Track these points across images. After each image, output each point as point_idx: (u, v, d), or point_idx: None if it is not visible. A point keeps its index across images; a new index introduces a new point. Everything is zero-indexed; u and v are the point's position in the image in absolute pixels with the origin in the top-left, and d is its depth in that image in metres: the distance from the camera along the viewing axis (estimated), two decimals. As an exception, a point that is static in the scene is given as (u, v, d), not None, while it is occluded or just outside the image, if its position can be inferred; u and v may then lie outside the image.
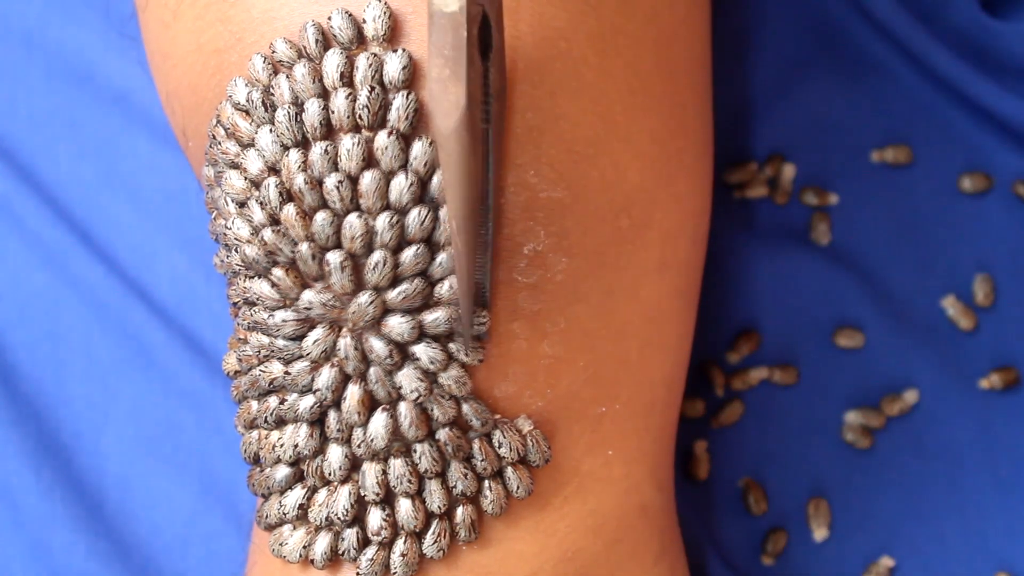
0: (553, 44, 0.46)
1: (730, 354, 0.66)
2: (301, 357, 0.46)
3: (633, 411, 0.51)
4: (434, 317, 0.45)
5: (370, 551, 0.47)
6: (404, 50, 0.44)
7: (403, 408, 0.46)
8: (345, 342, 0.45)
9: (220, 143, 0.47)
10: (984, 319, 0.67)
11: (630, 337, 0.50)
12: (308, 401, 0.46)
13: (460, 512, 0.48)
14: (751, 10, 0.70)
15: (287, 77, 0.45)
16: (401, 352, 0.45)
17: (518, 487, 0.48)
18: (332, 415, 0.46)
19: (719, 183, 0.67)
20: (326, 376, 0.46)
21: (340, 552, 0.48)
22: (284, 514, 0.48)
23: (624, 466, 0.51)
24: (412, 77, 0.44)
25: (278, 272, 0.45)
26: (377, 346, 0.45)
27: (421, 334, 0.45)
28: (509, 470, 0.48)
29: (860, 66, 0.69)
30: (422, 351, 0.45)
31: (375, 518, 0.47)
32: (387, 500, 0.47)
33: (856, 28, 0.69)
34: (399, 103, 0.44)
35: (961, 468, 0.65)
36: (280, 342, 0.46)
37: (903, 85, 0.69)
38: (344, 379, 0.46)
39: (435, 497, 0.47)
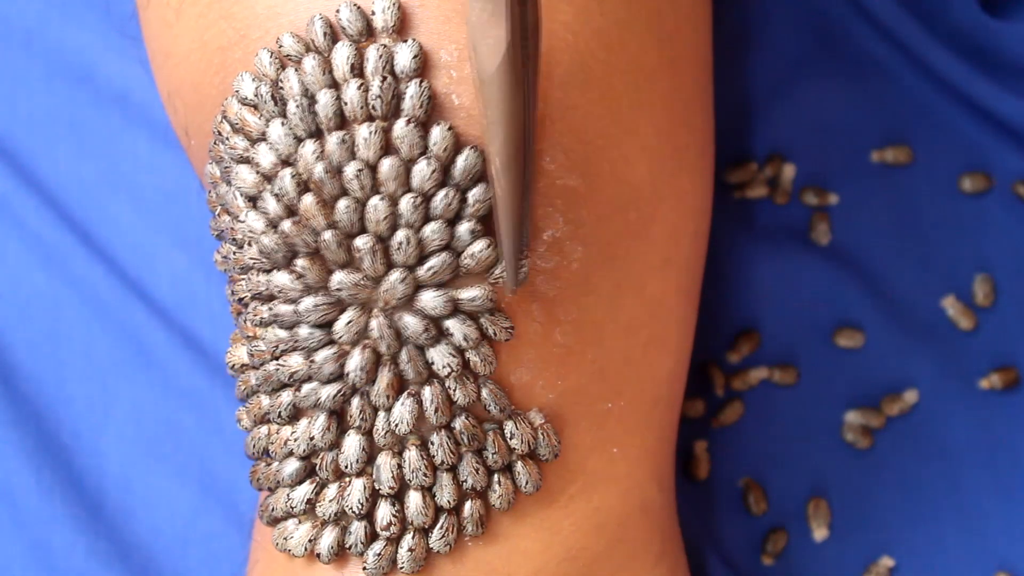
0: (560, 37, 0.46)
1: (730, 354, 0.66)
2: (327, 344, 0.46)
3: (636, 408, 0.51)
4: (471, 295, 0.45)
5: (377, 546, 0.47)
6: (414, 40, 0.45)
7: (428, 392, 0.46)
8: (378, 321, 0.45)
9: (226, 139, 0.47)
10: (984, 319, 0.67)
11: (635, 333, 0.50)
12: (331, 389, 0.46)
13: (468, 506, 0.48)
14: (751, 10, 0.70)
15: (296, 70, 0.45)
16: (436, 327, 0.45)
17: (527, 482, 0.48)
18: (355, 402, 0.46)
19: (719, 183, 0.67)
20: (358, 359, 0.45)
21: (347, 546, 0.48)
22: (291, 508, 0.48)
23: (627, 464, 0.51)
24: (423, 66, 0.45)
25: (302, 262, 0.45)
26: (411, 322, 0.45)
27: (455, 309, 0.45)
28: (519, 464, 0.48)
29: (860, 66, 0.69)
30: (456, 326, 0.45)
31: (384, 512, 0.47)
32: (398, 494, 0.47)
33: (856, 28, 0.69)
34: (412, 91, 0.44)
35: (961, 468, 0.65)
36: (304, 331, 0.46)
37: (903, 85, 0.69)
38: (376, 360, 0.46)
39: (446, 491, 0.47)
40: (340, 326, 0.46)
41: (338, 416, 0.47)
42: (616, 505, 0.51)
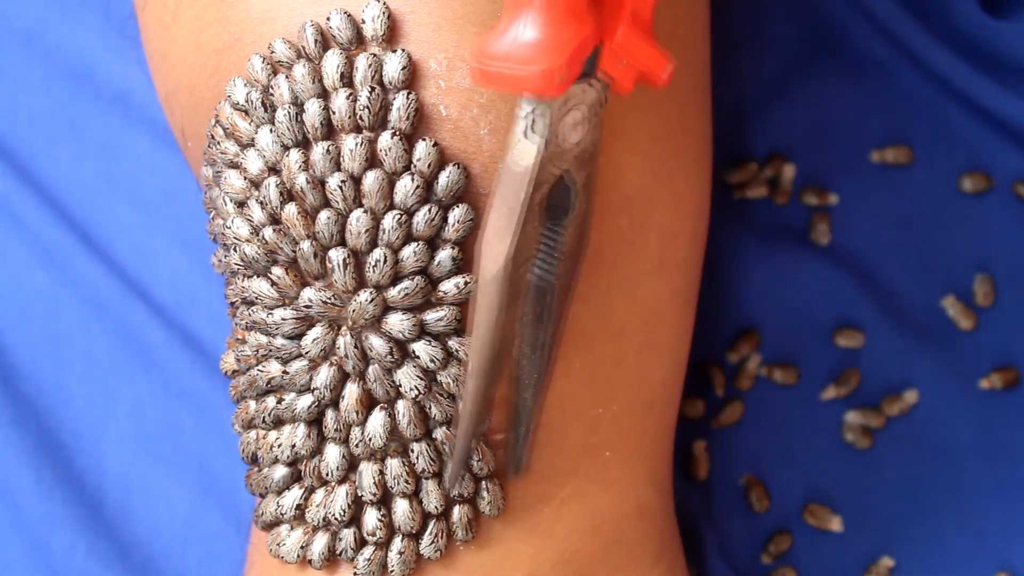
0: None
1: (730, 354, 0.66)
2: (299, 356, 0.46)
3: (630, 412, 0.51)
4: (436, 316, 0.45)
5: (367, 551, 0.47)
6: (403, 50, 0.45)
7: (401, 407, 0.46)
8: (344, 340, 0.45)
9: (219, 143, 0.47)
10: (984, 319, 0.66)
11: (628, 338, 0.50)
12: (306, 400, 0.46)
13: (457, 512, 0.48)
14: (751, 10, 0.69)
15: (286, 77, 0.45)
16: (401, 350, 0.45)
17: (493, 504, 0.48)
18: (330, 414, 0.46)
19: (719, 183, 0.67)
20: (324, 375, 0.46)
21: (337, 552, 0.48)
22: (281, 514, 0.48)
23: (621, 467, 0.51)
24: (411, 77, 0.45)
25: (278, 271, 0.45)
26: (377, 344, 0.45)
27: (421, 332, 0.45)
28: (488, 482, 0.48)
29: (860, 66, 0.69)
30: (422, 349, 0.45)
31: (371, 518, 0.47)
32: (384, 500, 0.47)
33: (856, 28, 0.69)
34: (400, 103, 0.44)
35: (961, 468, 0.65)
36: (279, 341, 0.46)
37: (903, 85, 0.69)
38: (343, 378, 0.46)
39: (432, 497, 0.47)
40: (307, 342, 0.46)
41: (318, 424, 0.47)
42: (610, 508, 0.51)
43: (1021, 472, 0.64)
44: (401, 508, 0.47)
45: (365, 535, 0.47)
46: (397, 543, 0.47)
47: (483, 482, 0.48)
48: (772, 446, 0.65)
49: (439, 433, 0.47)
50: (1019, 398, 0.65)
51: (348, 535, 0.48)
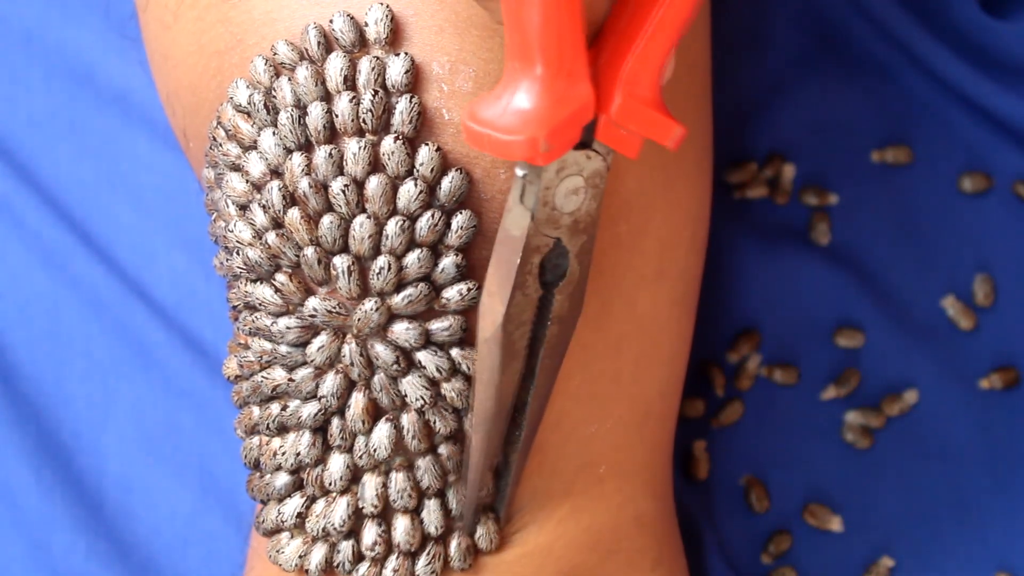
0: None
1: (730, 354, 0.66)
2: (305, 363, 0.46)
3: (626, 426, 0.51)
4: (441, 325, 0.45)
5: (363, 567, 0.47)
6: (406, 53, 0.44)
7: (406, 419, 0.46)
8: (350, 348, 0.45)
9: (221, 145, 0.47)
10: (984, 319, 0.66)
11: (625, 351, 0.50)
12: (311, 408, 0.46)
13: (455, 540, 0.48)
14: (751, 10, 0.69)
15: (289, 79, 0.45)
16: (407, 359, 0.45)
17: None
18: (335, 423, 0.46)
19: (719, 183, 0.67)
20: (330, 383, 0.46)
21: (335, 565, 0.48)
22: (282, 521, 0.48)
23: (617, 480, 0.51)
24: (414, 81, 0.44)
25: (281, 277, 0.45)
26: (383, 352, 0.45)
27: (427, 342, 0.45)
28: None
29: (860, 66, 0.69)
30: (428, 359, 0.45)
31: (370, 533, 0.47)
32: (384, 515, 0.47)
33: (856, 28, 0.69)
34: (402, 107, 0.44)
35: (961, 468, 0.65)
36: (283, 348, 0.46)
37: (903, 85, 0.69)
38: (349, 386, 0.46)
39: (433, 517, 0.47)
40: (312, 350, 0.46)
41: (323, 432, 0.47)
42: (608, 521, 0.51)
43: (1021, 472, 0.64)
44: (402, 525, 0.47)
45: (363, 549, 0.47)
46: (393, 561, 0.47)
47: (479, 515, 0.48)
48: (772, 446, 0.65)
49: (444, 449, 0.47)
50: (1019, 398, 0.66)
51: (347, 548, 0.47)
